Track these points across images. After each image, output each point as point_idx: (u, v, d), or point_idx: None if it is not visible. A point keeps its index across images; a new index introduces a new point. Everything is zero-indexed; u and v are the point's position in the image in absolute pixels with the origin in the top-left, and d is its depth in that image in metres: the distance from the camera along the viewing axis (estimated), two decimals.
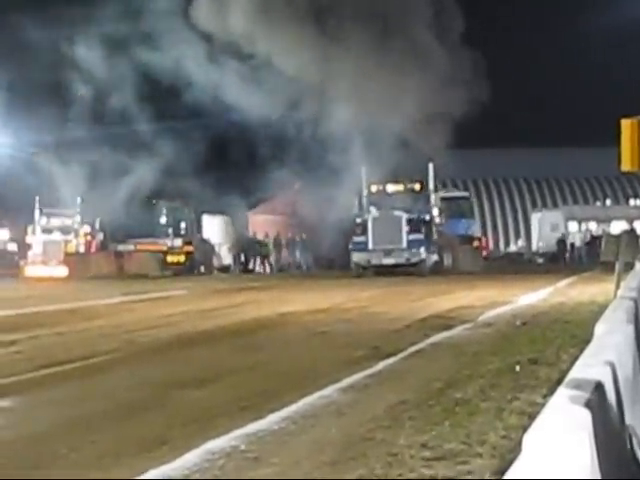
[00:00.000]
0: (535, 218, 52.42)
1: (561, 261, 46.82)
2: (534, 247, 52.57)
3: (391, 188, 33.86)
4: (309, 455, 5.83)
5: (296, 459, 5.74)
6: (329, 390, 8.08)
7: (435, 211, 33.96)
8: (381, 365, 10.04)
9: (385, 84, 34.87)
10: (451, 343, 12.37)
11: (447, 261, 34.41)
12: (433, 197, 33.96)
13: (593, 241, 42.82)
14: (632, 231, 27.99)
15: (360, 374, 9.14)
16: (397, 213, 32.02)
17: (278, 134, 35.20)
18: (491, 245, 55.95)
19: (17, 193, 37.05)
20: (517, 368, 8.81)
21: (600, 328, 5.16)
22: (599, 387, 3.31)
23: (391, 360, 10.39)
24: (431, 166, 34.10)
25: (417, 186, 33.60)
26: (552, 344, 10.58)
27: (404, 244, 31.32)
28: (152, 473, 5.36)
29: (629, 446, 3.71)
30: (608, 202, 52.77)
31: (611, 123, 19.30)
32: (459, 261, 35.37)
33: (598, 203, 53.95)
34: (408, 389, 8.26)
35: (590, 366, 3.73)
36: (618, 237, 20.54)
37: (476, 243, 40.21)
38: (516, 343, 11.68)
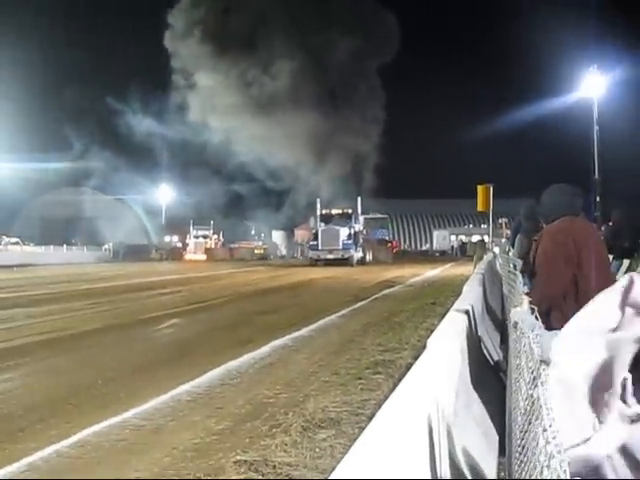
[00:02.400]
0: (435, 233, 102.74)
1: (447, 255, 79.79)
2: (434, 247, 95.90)
3: (334, 212, 53.49)
4: (323, 348, 11.78)
5: (316, 350, 11.64)
6: (333, 317, 15.21)
7: (360, 226, 53.62)
8: (358, 304, 18.21)
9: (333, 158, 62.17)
10: (392, 294, 22.07)
11: (369, 256, 54.00)
12: (360, 218, 54.65)
13: (463, 245, 78.81)
14: (482, 240, 42.97)
15: (348, 309, 17.12)
16: (337, 227, 50.06)
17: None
18: (404, 246, 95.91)
19: (181, 219, 76.00)
20: (425, 307, 15.91)
21: (465, 287, 10.36)
22: (467, 313, 6.19)
23: (363, 302, 18.69)
24: (359, 199, 55.86)
25: (349, 211, 53.22)
26: (442, 294, 19.36)
27: (340, 246, 49.05)
28: (244, 358, 11.13)
29: (480, 343, 7.21)
30: (471, 225, 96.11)
31: (472, 185, 34.57)
32: (377, 256, 56.37)
33: (466, 226, 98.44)
34: (371, 316, 15.45)
35: (461, 305, 6.99)
36: (475, 243, 42.56)
37: (388, 245, 64.10)
38: (424, 294, 20.71)
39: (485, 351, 7.81)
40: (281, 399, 8.12)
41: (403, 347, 11.42)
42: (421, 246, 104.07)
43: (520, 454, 2.22)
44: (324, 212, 53.43)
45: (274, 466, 5.77)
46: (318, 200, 54.87)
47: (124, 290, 24.85)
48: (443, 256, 77.41)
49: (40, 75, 49.66)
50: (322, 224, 51.47)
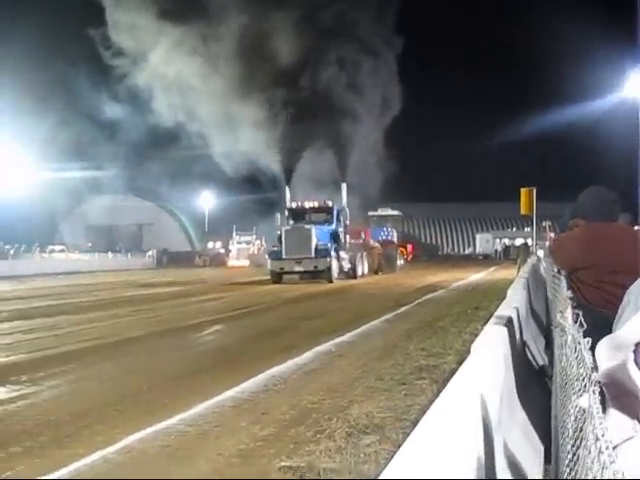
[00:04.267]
0: (478, 236, 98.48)
1: (490, 258, 76.40)
2: (477, 251, 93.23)
3: (308, 205, 37.27)
4: (366, 353, 11.76)
5: (359, 355, 11.61)
6: (376, 322, 15.10)
7: (343, 225, 37.62)
8: (401, 309, 18.03)
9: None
10: (435, 299, 21.77)
11: (363, 267, 38.68)
12: (347, 212, 38.36)
13: (506, 249, 75.82)
14: (525, 244, 40.89)
15: (391, 314, 16.98)
16: (307, 227, 34.73)
17: None
18: (447, 250, 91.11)
19: (224, 224, 73.46)
20: (469, 311, 15.75)
21: (509, 291, 10.26)
22: (511, 317, 6.01)
23: (406, 307, 18.55)
24: (344, 185, 42.06)
25: (329, 203, 37.36)
26: (486, 299, 19.09)
27: (312, 253, 33.71)
28: (287, 364, 11.13)
29: (524, 348, 7.15)
30: (514, 229, 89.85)
31: (515, 188, 32.60)
32: (380, 264, 42.13)
33: (509, 229, 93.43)
34: (414, 321, 15.44)
35: (505, 309, 6.83)
36: (518, 247, 42.13)
37: (398, 249, 49.94)
38: (468, 299, 20.30)
39: (530, 356, 7.74)
40: (325, 405, 8.11)
41: (447, 352, 11.35)
42: (464, 250, 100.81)
43: (570, 461, 2.18)
44: (294, 206, 37.94)
45: (318, 472, 5.75)
46: (287, 190, 41.09)
47: (167, 297, 25.04)
48: (486, 260, 74.61)
49: (76, 78, 49.82)
50: (291, 222, 36.55)
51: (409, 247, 57.11)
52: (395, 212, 56.88)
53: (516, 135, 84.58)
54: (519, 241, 64.64)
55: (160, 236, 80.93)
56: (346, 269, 36.30)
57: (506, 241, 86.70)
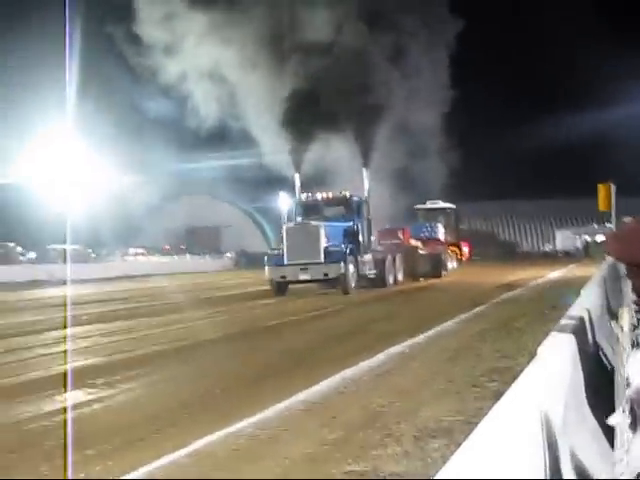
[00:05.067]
0: (558, 233, 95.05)
1: (571, 255, 73.28)
2: (558, 248, 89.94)
3: (321, 196, 30.40)
4: (438, 355, 11.70)
5: (431, 357, 11.55)
6: (449, 322, 15.01)
7: (365, 220, 30.73)
8: (476, 309, 17.78)
9: None
10: (512, 298, 21.49)
11: (396, 274, 31.55)
12: (368, 205, 31.81)
13: (587, 245, 74.87)
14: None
15: (465, 314, 16.76)
16: (314, 223, 27.89)
17: None
18: (525, 246, 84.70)
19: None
20: (545, 311, 15.36)
21: (583, 290, 10.05)
22: (581, 319, 5.85)
23: (481, 307, 18.31)
24: (365, 172, 35.67)
25: (347, 194, 30.05)
26: (563, 297, 17.73)
27: (321, 257, 26.86)
28: (359, 366, 11.12)
29: (597, 349, 6.43)
30: (595, 225, 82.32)
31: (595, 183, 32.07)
32: (419, 268, 34.90)
33: (590, 225, 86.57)
34: (489, 322, 15.28)
35: (577, 309, 6.61)
36: (598, 243, 42.44)
37: (447, 249, 41.52)
38: (545, 298, 19.96)
39: (604, 358, 7.58)
40: (395, 408, 8.09)
41: (521, 354, 11.17)
42: (543, 247, 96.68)
43: None
44: (303, 198, 31.50)
45: (384, 477, 5.75)
46: (296, 177, 35.33)
47: (244, 298, 25.28)
48: (567, 257, 70.90)
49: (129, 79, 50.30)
50: (297, 219, 29.94)
51: (464, 246, 47.23)
52: (448, 205, 47.56)
53: (599, 127, 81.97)
54: (600, 237, 62.81)
55: (238, 238, 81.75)
56: (371, 275, 29.40)
57: (587, 237, 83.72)
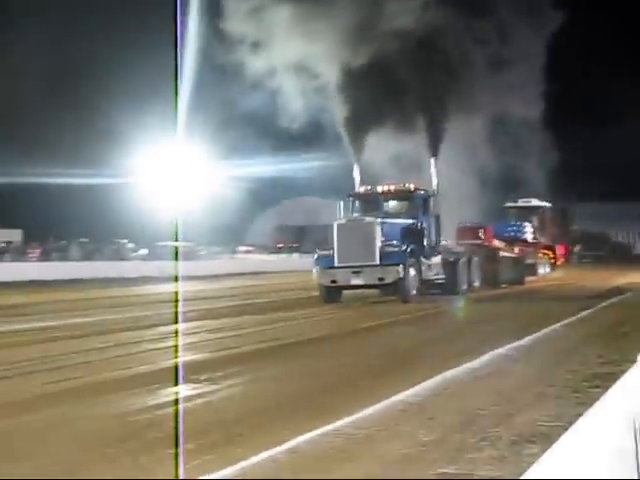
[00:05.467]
0: None
1: None
2: None
3: (383, 188, 26.55)
4: (542, 358, 11.56)
5: (534, 361, 11.41)
6: (556, 325, 14.99)
7: (430, 218, 26.17)
8: (583, 313, 17.50)
9: None
10: (622, 302, 21.08)
11: (471, 278, 27.92)
12: (436, 199, 27.18)
13: None
14: None
15: (572, 318, 16.46)
16: (368, 219, 24.56)
17: None
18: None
19: None
20: None
21: None
22: None
23: (588, 311, 17.97)
24: (432, 161, 31.27)
25: (410, 187, 26.15)
26: None
27: (376, 258, 23.43)
28: (460, 368, 11.00)
29: None
30: None
31: None
32: (500, 272, 31.17)
33: None
34: (595, 326, 15.16)
35: None
36: None
37: (537, 251, 37.83)
38: None
39: None
40: (493, 411, 8.03)
41: (626, 360, 10.93)
42: None
43: None
44: (362, 191, 27.65)
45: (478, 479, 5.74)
46: (356, 169, 31.08)
47: (351, 297, 25.20)
48: None
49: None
50: (353, 215, 26.05)
51: (558, 248, 42.15)
52: (542, 203, 43.01)
53: None
54: None
55: None
56: (440, 280, 25.98)
57: None
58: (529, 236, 38.01)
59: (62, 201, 60.05)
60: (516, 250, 34.29)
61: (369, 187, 27.37)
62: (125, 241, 63.26)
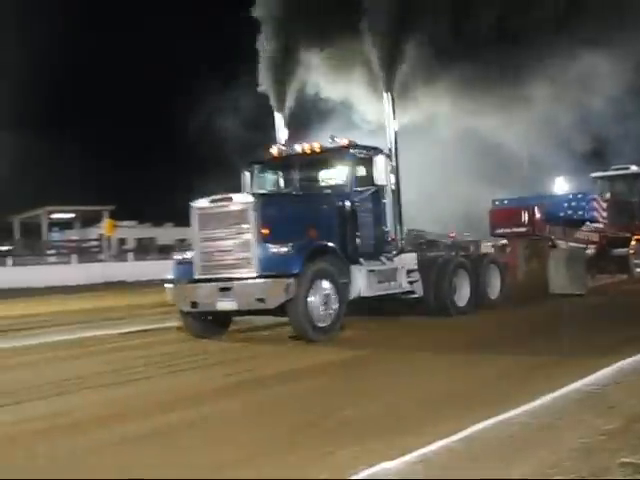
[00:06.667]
0: None
1: None
2: None
3: (299, 149, 17.15)
4: None
5: None
6: None
7: (383, 195, 16.98)
8: None
9: None
10: None
11: (485, 289, 19.07)
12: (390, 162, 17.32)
13: None
14: None
15: None
16: (239, 198, 14.87)
17: None
18: None
19: None
20: None
21: None
22: None
23: None
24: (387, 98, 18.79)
25: (345, 141, 16.39)
26: None
27: (254, 268, 14.10)
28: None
29: None
30: None
31: None
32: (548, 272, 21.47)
33: None
34: None
35: None
36: None
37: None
38: None
39: None
40: None
41: None
42: None
43: None
44: (273, 153, 17.73)
45: None
46: (278, 117, 20.93)
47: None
48: None
49: None
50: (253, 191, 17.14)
51: None
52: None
53: None
54: None
55: None
56: (414, 295, 17.54)
57: None
58: (601, 215, 26.60)
59: None
60: (592, 237, 25.07)
61: (283, 146, 18.29)
62: None
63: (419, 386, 9.48)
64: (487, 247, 21.41)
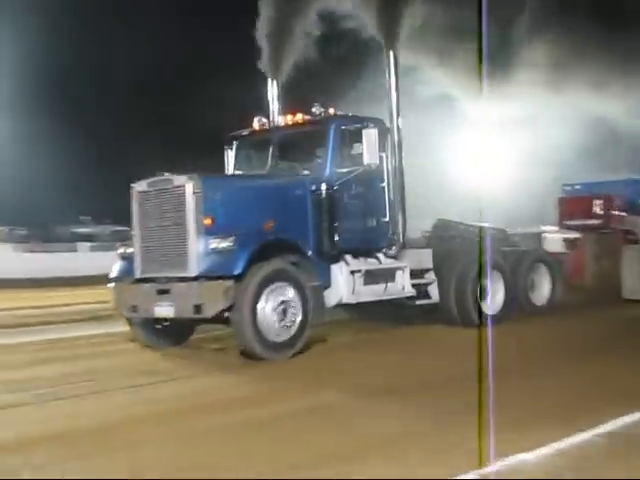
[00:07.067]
0: None
1: None
2: None
3: (281, 121, 14.62)
4: None
5: None
6: None
7: (380, 176, 13.95)
8: None
9: None
10: None
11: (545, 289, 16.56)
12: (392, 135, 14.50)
13: None
14: None
15: None
16: (179, 179, 11.87)
17: None
18: None
19: None
20: None
21: None
22: None
23: None
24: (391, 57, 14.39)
25: (330, 111, 13.61)
26: None
27: (189, 267, 11.47)
28: None
29: None
30: None
31: None
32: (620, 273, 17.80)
33: None
34: None
35: None
36: None
37: None
38: None
39: None
40: None
41: None
42: None
43: None
44: (254, 127, 14.45)
45: None
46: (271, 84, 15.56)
47: None
48: None
49: None
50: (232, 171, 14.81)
51: None
52: None
53: None
54: None
55: None
56: (420, 301, 14.33)
57: None
58: None
59: None
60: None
61: (262, 119, 14.58)
62: None
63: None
64: (554, 241, 18.32)
